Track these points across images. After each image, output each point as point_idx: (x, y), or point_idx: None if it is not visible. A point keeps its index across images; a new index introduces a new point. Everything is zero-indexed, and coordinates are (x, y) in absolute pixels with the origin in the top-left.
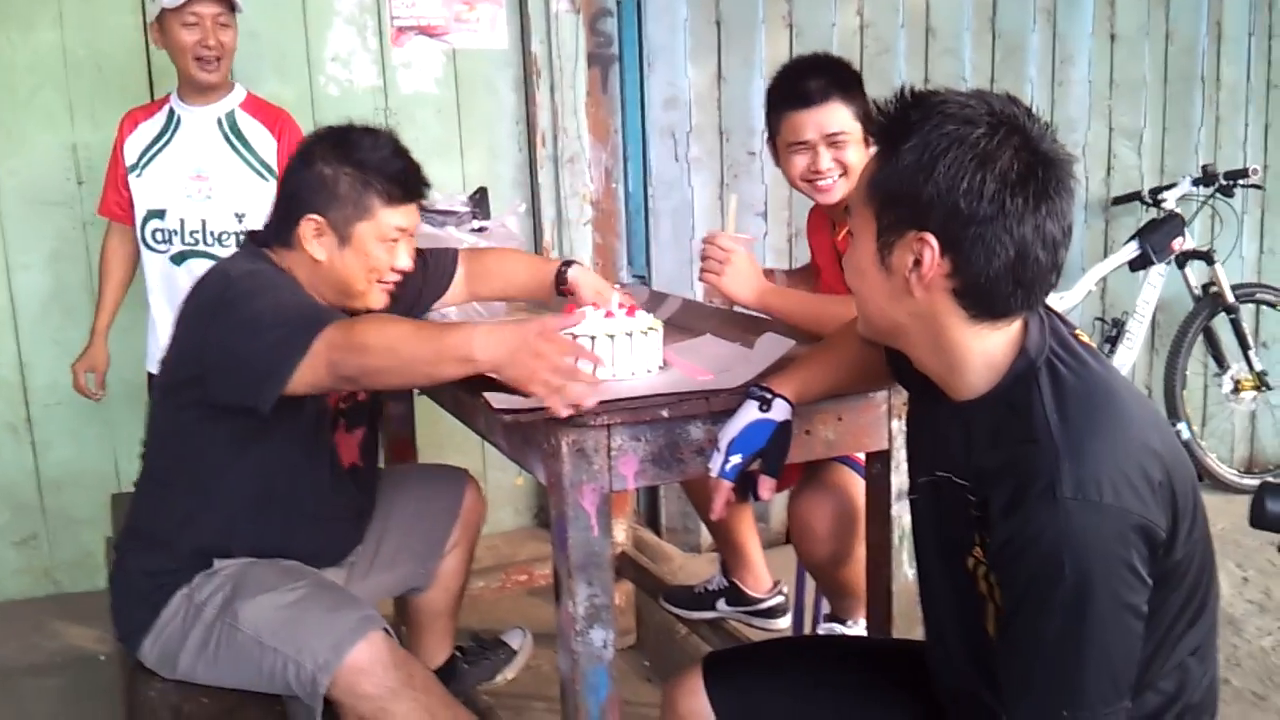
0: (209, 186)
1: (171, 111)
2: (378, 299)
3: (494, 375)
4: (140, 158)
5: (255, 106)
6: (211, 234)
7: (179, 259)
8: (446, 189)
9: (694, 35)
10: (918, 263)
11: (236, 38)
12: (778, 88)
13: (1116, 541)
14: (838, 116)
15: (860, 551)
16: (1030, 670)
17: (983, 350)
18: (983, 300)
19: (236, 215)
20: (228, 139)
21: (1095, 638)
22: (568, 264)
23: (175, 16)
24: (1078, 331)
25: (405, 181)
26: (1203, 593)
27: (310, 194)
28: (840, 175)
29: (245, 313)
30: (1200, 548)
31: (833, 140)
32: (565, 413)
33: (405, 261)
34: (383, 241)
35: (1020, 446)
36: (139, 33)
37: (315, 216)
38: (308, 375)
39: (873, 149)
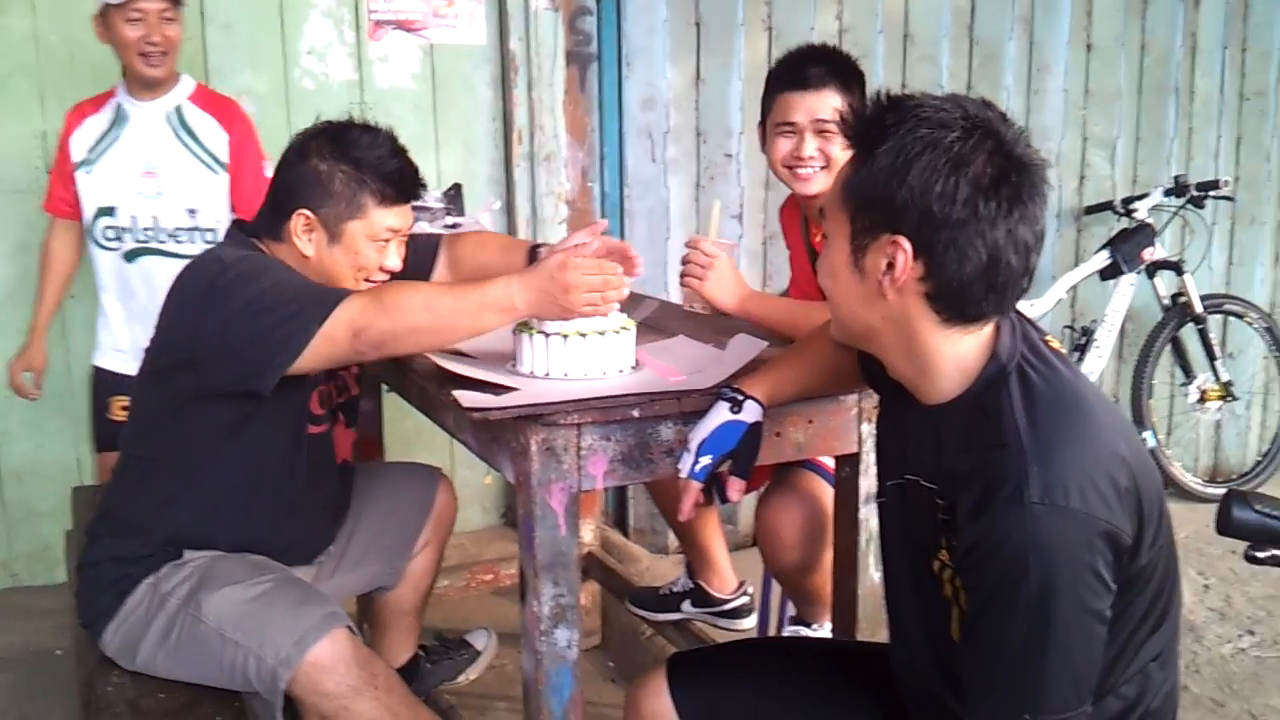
0: (160, 183)
1: (119, 107)
2: None
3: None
4: (89, 154)
5: (204, 99)
6: (164, 230)
7: (131, 256)
8: None
9: (673, 36)
10: (890, 266)
11: (182, 31)
12: (778, 69)
13: (1082, 547)
14: (830, 105)
15: (827, 559)
16: (993, 673)
17: (954, 354)
18: (955, 304)
19: (189, 211)
20: (177, 134)
21: (1058, 642)
22: (538, 246)
23: (119, 12)
24: (1048, 338)
25: (400, 182)
26: (1165, 599)
27: (304, 189)
28: (822, 167)
29: (244, 296)
30: (1164, 555)
31: (820, 128)
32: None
33: (394, 262)
34: (373, 241)
35: (989, 451)
36: None
37: (306, 212)
38: (323, 347)
39: None
